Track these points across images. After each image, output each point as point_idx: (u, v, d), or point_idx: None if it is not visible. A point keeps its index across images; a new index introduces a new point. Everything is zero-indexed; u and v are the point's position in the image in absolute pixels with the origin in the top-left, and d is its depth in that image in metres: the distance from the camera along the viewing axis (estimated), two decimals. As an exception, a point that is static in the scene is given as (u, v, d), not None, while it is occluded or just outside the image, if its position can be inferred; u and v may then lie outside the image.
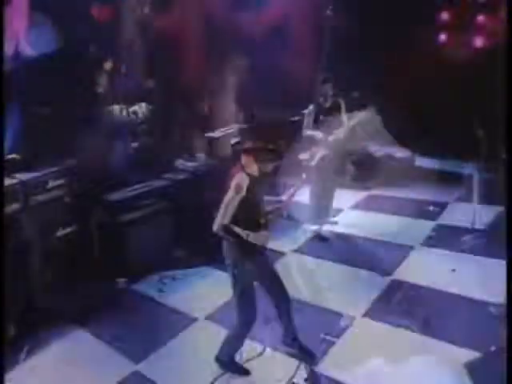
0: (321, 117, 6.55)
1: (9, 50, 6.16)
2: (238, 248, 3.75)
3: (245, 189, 3.63)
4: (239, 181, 3.65)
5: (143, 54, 7.77)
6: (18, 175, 5.11)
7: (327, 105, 6.56)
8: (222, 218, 3.63)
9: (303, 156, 6.70)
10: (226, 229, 3.64)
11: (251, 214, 3.73)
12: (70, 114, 6.63)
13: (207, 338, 4.59)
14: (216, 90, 8.20)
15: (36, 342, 4.58)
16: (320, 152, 6.57)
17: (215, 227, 3.66)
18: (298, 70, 9.70)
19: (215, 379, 4.01)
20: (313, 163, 6.57)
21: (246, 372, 4.08)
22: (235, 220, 3.66)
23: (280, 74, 9.24)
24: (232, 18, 9.25)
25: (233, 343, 4.06)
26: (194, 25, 9.08)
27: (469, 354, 4.18)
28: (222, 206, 3.66)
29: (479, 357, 4.17)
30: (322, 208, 6.87)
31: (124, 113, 6.60)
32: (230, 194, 3.65)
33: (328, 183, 6.82)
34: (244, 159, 3.76)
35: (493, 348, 4.22)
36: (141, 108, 6.78)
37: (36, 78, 6.41)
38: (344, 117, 6.62)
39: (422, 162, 9.19)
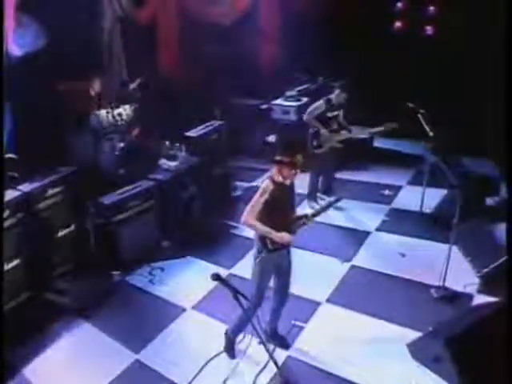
0: (328, 113, 6.97)
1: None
2: (262, 239, 4.20)
3: (268, 193, 4.08)
4: (264, 185, 4.12)
5: (124, 53, 7.98)
6: (20, 187, 5.46)
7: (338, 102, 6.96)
8: (247, 214, 4.10)
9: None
10: (249, 223, 4.11)
11: (276, 217, 4.14)
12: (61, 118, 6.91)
13: (195, 328, 5.12)
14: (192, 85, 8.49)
15: (48, 336, 5.01)
16: (330, 143, 7.07)
17: (242, 220, 4.13)
18: (268, 58, 10.01)
19: (205, 364, 4.54)
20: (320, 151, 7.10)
21: (233, 356, 4.66)
22: (264, 220, 4.11)
23: (251, 62, 9.54)
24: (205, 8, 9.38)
25: (239, 325, 4.49)
26: (170, 18, 9.20)
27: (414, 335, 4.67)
28: (249, 204, 4.13)
29: (419, 337, 4.63)
30: (314, 193, 7.45)
31: (110, 116, 6.86)
32: (257, 195, 4.12)
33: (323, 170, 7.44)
34: (273, 169, 4.20)
35: (430, 328, 4.63)
36: (125, 110, 7.03)
37: (23, 80, 6.61)
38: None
39: (380, 142, 9.39)
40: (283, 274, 4.47)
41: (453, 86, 8.33)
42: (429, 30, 9.63)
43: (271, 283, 4.52)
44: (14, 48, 6.94)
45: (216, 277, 3.23)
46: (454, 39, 8.47)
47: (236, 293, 3.18)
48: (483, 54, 7.87)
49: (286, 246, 4.31)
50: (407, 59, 9.07)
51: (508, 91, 4.64)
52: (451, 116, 7.85)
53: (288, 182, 4.19)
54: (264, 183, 4.16)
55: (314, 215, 4.41)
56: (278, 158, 4.11)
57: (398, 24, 9.96)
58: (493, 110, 6.81)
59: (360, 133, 9.18)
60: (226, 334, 4.67)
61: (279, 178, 4.15)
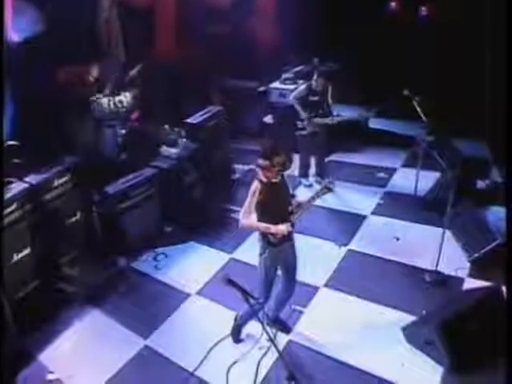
0: (310, 97, 7.13)
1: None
2: (264, 237, 4.36)
3: (258, 193, 4.22)
4: (253, 186, 4.27)
5: (123, 37, 7.94)
6: (27, 179, 5.54)
7: (317, 88, 7.11)
8: (242, 217, 4.25)
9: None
10: (247, 225, 4.27)
11: (272, 213, 4.28)
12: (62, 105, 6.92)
13: (200, 312, 5.29)
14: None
15: (60, 323, 5.18)
16: (311, 127, 7.25)
17: (240, 224, 4.29)
18: (265, 40, 9.96)
19: (211, 349, 4.76)
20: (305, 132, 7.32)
21: (239, 340, 4.89)
22: (260, 218, 4.28)
23: (249, 43, 9.50)
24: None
25: (246, 317, 4.72)
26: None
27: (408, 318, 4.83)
28: (243, 207, 4.27)
29: (413, 321, 4.79)
30: (304, 170, 7.70)
31: (111, 104, 6.88)
32: (248, 197, 4.27)
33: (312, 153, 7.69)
34: (258, 170, 4.32)
35: (424, 312, 4.85)
36: (126, 97, 7.05)
37: (23, 67, 6.59)
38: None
39: (376, 123, 9.38)
40: (290, 267, 4.62)
41: (448, 69, 8.37)
42: (423, 10, 9.63)
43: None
44: (13, 34, 6.90)
45: (228, 281, 3.38)
46: (451, 21, 8.46)
47: (245, 294, 3.34)
48: (479, 37, 7.88)
49: (288, 239, 4.44)
50: (403, 41, 9.05)
51: (508, 74, 4.64)
52: (445, 99, 7.92)
53: (275, 180, 4.31)
54: (253, 185, 4.29)
55: (309, 203, 4.53)
56: (259, 162, 4.25)
57: (392, 4, 9.94)
58: (490, 94, 6.89)
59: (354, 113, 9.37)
60: (235, 319, 4.85)
61: (265, 179, 4.28)
